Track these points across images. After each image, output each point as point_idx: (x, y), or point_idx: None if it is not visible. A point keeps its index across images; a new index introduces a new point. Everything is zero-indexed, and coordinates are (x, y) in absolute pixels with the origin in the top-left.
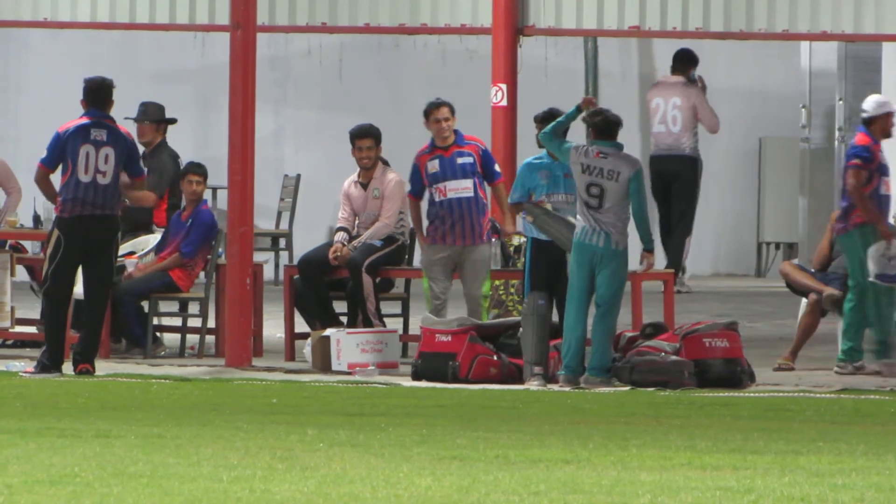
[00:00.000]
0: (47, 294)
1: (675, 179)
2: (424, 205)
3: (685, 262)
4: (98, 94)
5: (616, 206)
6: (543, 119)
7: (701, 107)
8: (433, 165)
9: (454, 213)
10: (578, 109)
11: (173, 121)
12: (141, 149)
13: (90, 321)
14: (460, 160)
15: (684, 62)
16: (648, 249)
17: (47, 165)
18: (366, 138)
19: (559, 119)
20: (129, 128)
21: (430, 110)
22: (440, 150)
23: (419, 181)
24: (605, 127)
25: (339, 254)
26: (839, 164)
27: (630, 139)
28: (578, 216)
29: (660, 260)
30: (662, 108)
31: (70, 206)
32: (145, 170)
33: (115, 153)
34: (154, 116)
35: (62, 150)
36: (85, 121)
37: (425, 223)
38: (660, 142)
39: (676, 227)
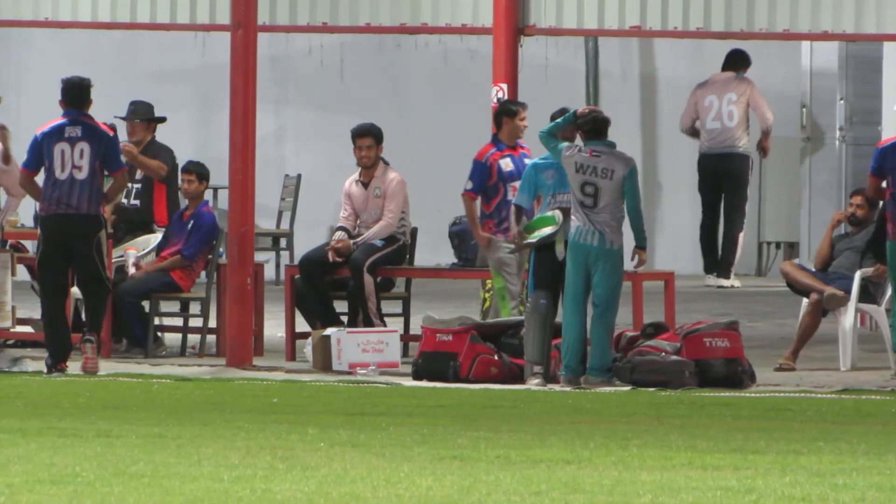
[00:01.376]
0: (42, 293)
1: (728, 177)
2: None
3: (737, 257)
4: (75, 93)
5: (611, 204)
6: (557, 117)
7: (758, 101)
8: (507, 163)
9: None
10: (575, 115)
11: (163, 119)
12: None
13: (92, 302)
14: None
15: (738, 62)
16: (641, 246)
17: (28, 168)
18: (366, 137)
19: (556, 122)
20: (122, 127)
21: (519, 110)
22: (509, 150)
23: (486, 178)
24: (594, 127)
25: (339, 246)
26: (840, 164)
27: (630, 138)
28: (573, 216)
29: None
30: (717, 105)
31: (47, 204)
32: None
33: (90, 148)
34: (144, 115)
35: (40, 151)
36: (62, 120)
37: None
38: (715, 138)
39: (730, 224)
